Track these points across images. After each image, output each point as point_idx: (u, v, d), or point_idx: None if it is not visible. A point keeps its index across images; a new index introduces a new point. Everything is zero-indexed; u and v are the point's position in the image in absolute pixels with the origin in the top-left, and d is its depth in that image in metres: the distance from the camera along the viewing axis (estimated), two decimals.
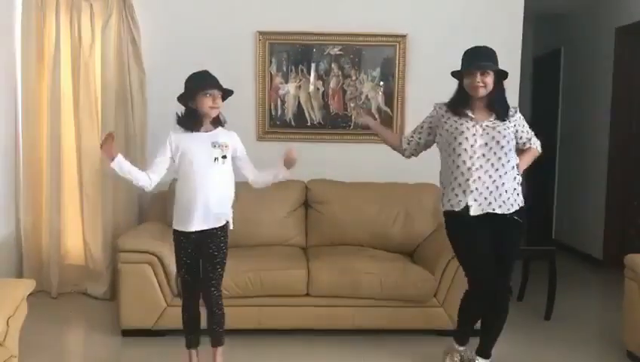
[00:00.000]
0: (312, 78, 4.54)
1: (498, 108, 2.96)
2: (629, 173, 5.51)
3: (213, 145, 2.91)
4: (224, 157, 2.92)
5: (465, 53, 2.98)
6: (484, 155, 2.90)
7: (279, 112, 4.56)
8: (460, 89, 3.02)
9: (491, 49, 2.96)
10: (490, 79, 2.90)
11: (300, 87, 4.55)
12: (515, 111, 3.04)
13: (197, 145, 2.91)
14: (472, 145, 2.91)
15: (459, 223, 3.01)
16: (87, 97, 4.38)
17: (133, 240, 3.68)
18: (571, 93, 6.47)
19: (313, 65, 4.53)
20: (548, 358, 3.59)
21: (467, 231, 2.99)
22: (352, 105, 3.10)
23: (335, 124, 4.58)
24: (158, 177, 2.95)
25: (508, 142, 2.92)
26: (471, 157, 2.90)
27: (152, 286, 3.57)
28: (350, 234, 4.17)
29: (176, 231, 2.98)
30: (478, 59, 2.91)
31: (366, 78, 4.54)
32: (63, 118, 4.38)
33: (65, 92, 4.39)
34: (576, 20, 6.34)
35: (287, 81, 4.54)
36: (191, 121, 2.93)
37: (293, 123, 4.57)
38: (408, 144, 3.22)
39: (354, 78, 4.54)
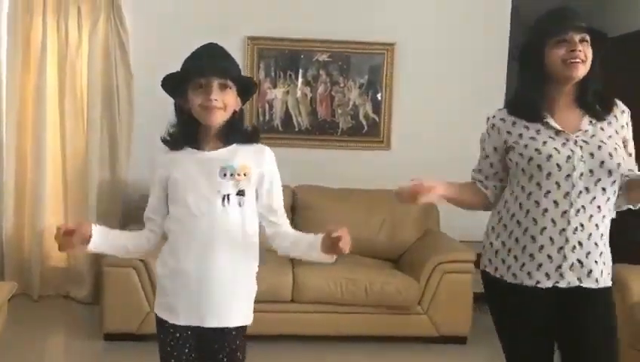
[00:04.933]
0: (299, 83, 4.55)
1: (593, 99, 1.95)
2: None
3: (223, 172, 1.75)
4: (240, 193, 1.77)
5: (546, 15, 1.94)
6: (587, 190, 1.85)
7: (267, 117, 4.56)
8: (528, 79, 1.98)
9: (578, 8, 1.93)
10: (590, 51, 1.90)
11: (287, 92, 4.55)
12: (623, 111, 1.99)
13: (192, 173, 1.76)
14: (567, 176, 1.84)
15: (518, 296, 1.94)
16: (74, 99, 4.34)
17: None
18: None
19: (301, 72, 4.54)
20: None
21: (532, 312, 1.94)
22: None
23: (322, 130, 4.58)
24: (159, 234, 1.87)
25: (617, 163, 1.85)
26: (566, 195, 1.84)
27: (136, 290, 3.54)
28: None
29: (158, 319, 1.85)
30: (573, 20, 1.88)
31: (354, 85, 4.56)
32: (48, 120, 4.33)
33: (51, 93, 4.34)
34: None
35: (275, 87, 4.54)
36: (182, 131, 1.79)
37: (280, 128, 4.56)
38: (481, 182, 2.08)
39: (342, 85, 4.56)
